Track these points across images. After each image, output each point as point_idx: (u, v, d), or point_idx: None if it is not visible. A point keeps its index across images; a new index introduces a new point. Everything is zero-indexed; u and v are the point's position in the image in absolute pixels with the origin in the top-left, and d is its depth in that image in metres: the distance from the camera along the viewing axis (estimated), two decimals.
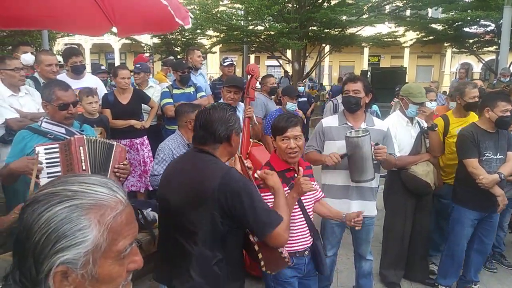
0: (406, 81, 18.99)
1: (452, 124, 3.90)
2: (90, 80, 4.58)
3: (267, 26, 16.15)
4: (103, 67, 6.45)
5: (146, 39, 20.92)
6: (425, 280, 3.90)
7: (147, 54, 15.58)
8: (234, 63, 6.20)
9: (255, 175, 2.19)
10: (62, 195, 0.83)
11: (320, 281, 3.47)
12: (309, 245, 2.56)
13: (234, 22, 16.33)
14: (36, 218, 0.80)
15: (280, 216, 1.88)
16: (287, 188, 2.49)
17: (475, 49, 18.64)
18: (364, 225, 3.23)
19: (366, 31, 18.90)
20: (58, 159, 2.48)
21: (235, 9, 16.81)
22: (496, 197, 3.26)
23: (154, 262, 2.16)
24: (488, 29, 17.10)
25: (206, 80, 6.17)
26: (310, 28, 17.15)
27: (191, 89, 5.02)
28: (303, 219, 2.52)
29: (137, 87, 5.25)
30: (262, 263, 1.95)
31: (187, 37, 18.42)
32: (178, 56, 16.36)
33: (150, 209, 3.85)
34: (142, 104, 4.87)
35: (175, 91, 4.89)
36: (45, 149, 2.47)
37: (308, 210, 2.57)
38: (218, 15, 15.79)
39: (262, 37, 17.24)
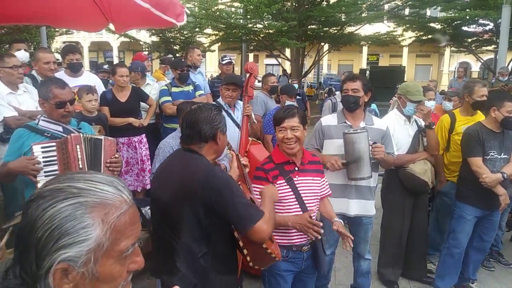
0: (405, 80, 19.00)
1: (458, 122, 3.90)
2: (88, 78, 4.56)
3: (266, 25, 16.15)
4: (105, 67, 6.40)
5: (145, 37, 20.93)
6: (423, 279, 3.90)
7: (146, 52, 15.55)
8: (233, 61, 6.18)
9: (248, 182, 2.25)
10: (67, 192, 0.83)
11: (318, 279, 3.49)
12: (306, 240, 2.54)
13: (233, 20, 16.31)
14: (40, 213, 0.80)
15: (261, 211, 1.95)
16: (283, 181, 2.51)
17: (473, 48, 18.68)
18: (363, 224, 3.26)
19: (365, 30, 18.92)
20: (55, 158, 2.48)
21: (234, 7, 16.79)
22: (499, 196, 3.27)
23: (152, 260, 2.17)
24: (487, 28, 17.14)
25: (204, 79, 6.16)
26: (309, 26, 17.15)
27: (190, 87, 5.01)
28: (300, 211, 2.49)
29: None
30: (248, 258, 2.03)
31: (185, 35, 18.39)
32: (177, 54, 16.33)
33: (148, 207, 3.85)
34: (141, 102, 4.86)
35: (174, 89, 4.88)
36: (42, 147, 2.47)
37: (308, 206, 2.54)
38: (217, 13, 15.76)
39: (261, 35, 17.24)
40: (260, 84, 5.69)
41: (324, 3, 16.41)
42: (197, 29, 17.97)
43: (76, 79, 4.27)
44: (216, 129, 2.05)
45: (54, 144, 2.49)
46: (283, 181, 2.51)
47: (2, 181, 2.81)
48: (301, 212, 2.49)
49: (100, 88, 4.66)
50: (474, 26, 17.66)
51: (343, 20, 17.42)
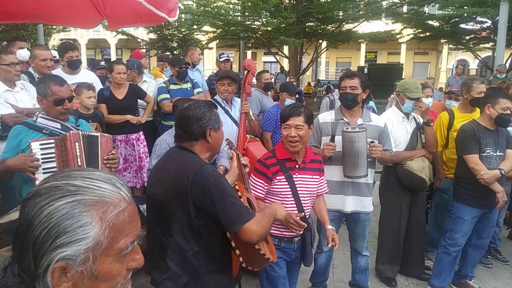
0: (403, 77, 19.02)
1: (457, 119, 3.90)
2: (85, 75, 4.55)
3: (264, 22, 16.12)
4: (102, 63, 6.36)
5: (143, 34, 20.89)
6: (421, 275, 3.91)
7: (144, 50, 15.52)
8: (231, 59, 6.17)
9: (247, 182, 2.24)
10: (64, 190, 0.81)
11: (316, 276, 3.51)
12: (298, 233, 2.63)
13: (231, 17, 16.28)
14: (37, 212, 0.79)
15: (252, 213, 1.91)
16: (283, 177, 2.56)
17: (471, 45, 18.69)
18: (360, 220, 3.26)
19: (363, 28, 18.92)
20: (53, 155, 2.47)
21: (232, 4, 16.75)
22: (496, 193, 3.26)
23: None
24: (485, 25, 17.16)
25: (202, 76, 6.15)
26: (307, 24, 17.14)
27: (188, 85, 5.00)
28: (295, 207, 2.59)
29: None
30: (241, 259, 1.99)
31: (183, 33, 18.37)
32: (175, 52, 16.30)
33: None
34: (138, 100, 4.85)
35: (172, 87, 4.87)
36: (40, 144, 2.46)
37: (303, 204, 2.61)
38: (215, 10, 15.73)
39: (259, 33, 17.21)
40: (255, 81, 5.67)
41: (322, 0, 16.40)
42: (194, 27, 17.94)
43: (73, 76, 4.25)
44: (205, 127, 2.02)
45: (52, 141, 2.48)
46: (283, 177, 2.57)
47: (0, 178, 2.80)
48: (295, 209, 2.58)
49: (98, 85, 4.65)
50: (472, 23, 17.67)
51: (341, 17, 17.41)
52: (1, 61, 3.55)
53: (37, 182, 2.41)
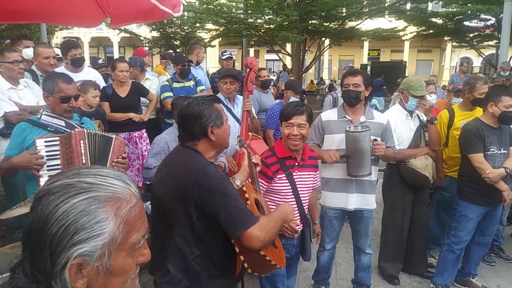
0: (406, 75, 18.97)
1: (457, 117, 3.88)
2: (89, 73, 4.56)
3: (267, 20, 16.10)
4: (100, 61, 6.35)
5: (145, 32, 20.90)
6: (423, 273, 3.91)
7: (146, 48, 15.53)
8: (233, 56, 6.17)
9: (256, 183, 2.17)
10: (78, 187, 0.83)
11: (319, 274, 3.51)
12: (299, 229, 2.65)
13: (233, 15, 16.26)
14: (52, 210, 0.80)
15: (256, 217, 1.80)
16: (283, 175, 2.57)
17: (475, 43, 18.60)
18: (363, 218, 3.26)
19: (366, 25, 18.86)
20: (58, 152, 2.48)
21: (235, 1, 16.73)
22: (502, 192, 3.24)
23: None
24: (488, 23, 17.06)
25: (205, 73, 6.15)
26: (310, 21, 17.10)
27: (191, 83, 5.00)
28: (295, 204, 2.61)
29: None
30: (246, 265, 1.92)
31: (186, 31, 18.37)
32: (178, 50, 16.31)
33: (149, 202, 3.86)
34: (141, 98, 4.85)
35: (175, 85, 4.87)
36: (45, 141, 2.47)
37: (302, 199, 2.65)
38: (218, 7, 15.71)
39: (262, 30, 17.19)
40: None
41: None
42: (197, 24, 17.94)
43: (77, 74, 4.26)
44: (206, 125, 1.91)
45: (57, 138, 2.49)
46: (283, 175, 2.59)
47: (3, 176, 2.81)
48: (295, 203, 2.61)
49: (101, 83, 4.66)
50: (475, 21, 17.56)
51: (344, 14, 17.36)
52: (4, 59, 3.57)
53: (41, 179, 2.42)
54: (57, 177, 0.87)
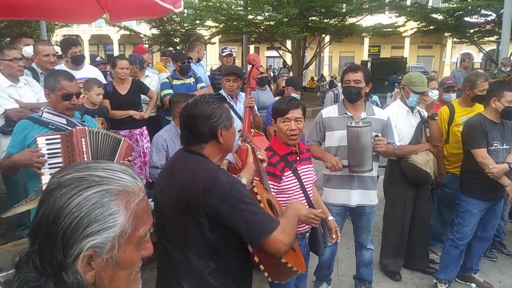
0: (406, 71, 18.93)
1: (457, 113, 3.88)
2: (89, 71, 4.55)
3: (267, 16, 16.07)
4: (98, 58, 6.31)
5: (145, 30, 20.86)
6: (425, 269, 3.91)
7: (146, 45, 15.50)
8: (233, 53, 6.15)
9: (266, 181, 2.07)
10: (90, 180, 0.84)
11: (321, 270, 3.51)
12: (309, 227, 2.58)
13: (233, 12, 16.23)
14: (66, 202, 0.81)
15: (277, 220, 1.68)
16: (290, 172, 2.53)
17: (475, 39, 18.57)
18: (365, 214, 3.26)
19: (366, 21, 18.82)
20: (59, 150, 2.47)
21: None
22: (505, 187, 3.24)
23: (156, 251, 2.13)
24: (489, 18, 17.04)
25: (205, 71, 6.14)
26: (310, 18, 17.06)
27: (191, 80, 4.99)
28: (305, 201, 2.54)
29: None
30: (266, 274, 1.78)
31: (186, 28, 18.33)
32: (177, 47, 16.28)
33: (150, 199, 3.86)
34: (141, 95, 4.84)
35: (175, 82, 4.87)
36: (46, 139, 2.46)
37: (309, 193, 2.61)
38: (218, 4, 15.68)
39: (262, 27, 17.16)
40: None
41: None
42: (197, 22, 17.90)
43: (77, 72, 4.24)
44: (216, 126, 1.75)
45: (58, 136, 2.48)
46: (290, 172, 2.54)
47: (5, 173, 2.81)
48: (304, 200, 2.54)
49: (101, 80, 4.65)
50: (476, 16, 17.54)
51: (344, 11, 17.32)
52: (4, 56, 3.57)
53: (43, 177, 2.42)
54: (66, 170, 0.88)
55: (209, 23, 18.08)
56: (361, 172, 3.05)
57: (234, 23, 16.48)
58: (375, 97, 5.64)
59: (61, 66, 4.31)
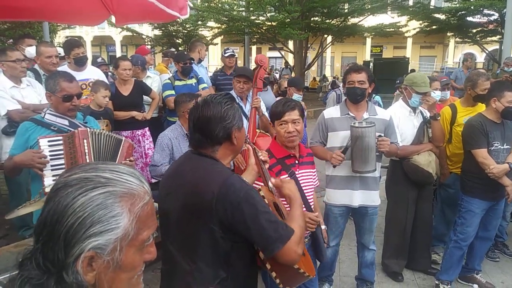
0: (409, 71, 18.89)
1: (459, 113, 3.87)
2: (92, 72, 4.57)
3: (269, 17, 16.07)
4: (99, 59, 6.32)
5: (147, 31, 20.92)
6: (427, 270, 3.90)
7: (149, 46, 15.54)
8: (236, 54, 6.15)
9: (269, 184, 2.02)
10: (96, 181, 0.84)
11: (322, 270, 3.51)
12: (309, 232, 2.57)
13: (235, 12, 16.24)
14: (70, 201, 0.81)
15: (290, 228, 1.61)
16: (286, 175, 2.50)
17: (478, 39, 18.51)
18: (368, 214, 3.26)
19: (369, 21, 18.79)
20: (61, 152, 2.48)
21: None
22: (505, 187, 3.24)
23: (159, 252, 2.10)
24: (492, 18, 16.97)
25: (207, 72, 6.14)
26: (312, 18, 17.05)
27: (193, 81, 5.01)
28: (304, 209, 2.49)
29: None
30: (278, 280, 1.73)
31: (188, 29, 18.37)
32: (180, 48, 16.31)
33: (152, 200, 3.87)
34: (144, 96, 4.85)
35: (177, 83, 4.88)
36: (48, 141, 2.47)
37: (308, 198, 2.60)
38: (220, 5, 15.69)
39: (264, 28, 17.16)
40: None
41: None
42: (199, 22, 17.93)
43: (80, 73, 4.27)
44: (230, 127, 1.70)
45: (60, 138, 2.49)
46: (286, 176, 2.51)
47: (7, 175, 2.82)
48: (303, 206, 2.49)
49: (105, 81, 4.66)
50: (478, 16, 17.48)
51: (346, 11, 17.30)
52: (7, 57, 3.58)
53: (45, 179, 2.42)
54: (74, 170, 0.89)
55: (211, 24, 18.10)
56: (364, 172, 3.04)
57: (236, 24, 16.49)
58: (377, 98, 5.64)
59: (64, 68, 4.32)
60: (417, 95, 3.56)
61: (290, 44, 18.95)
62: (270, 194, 2.04)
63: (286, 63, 19.61)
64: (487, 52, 18.56)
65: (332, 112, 3.28)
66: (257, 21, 16.87)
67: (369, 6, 16.90)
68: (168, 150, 3.38)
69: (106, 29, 31.42)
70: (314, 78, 28.75)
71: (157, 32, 19.32)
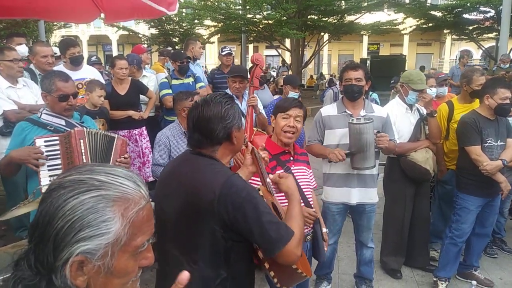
0: (406, 69, 18.92)
1: (456, 110, 3.88)
2: (88, 71, 4.55)
3: (265, 15, 16.05)
4: (93, 58, 6.28)
5: (144, 30, 20.85)
6: (426, 267, 3.91)
7: (145, 45, 15.49)
8: (233, 52, 6.15)
9: (267, 179, 2.00)
10: (89, 184, 0.82)
11: (321, 268, 3.51)
12: (310, 230, 2.57)
13: (231, 11, 16.22)
14: (61, 204, 0.80)
15: (291, 230, 1.61)
16: (282, 171, 2.51)
17: (474, 35, 18.55)
18: (366, 212, 3.26)
19: (365, 19, 18.81)
20: (58, 152, 2.46)
21: None
22: (499, 183, 3.26)
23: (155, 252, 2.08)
24: (488, 15, 17.00)
25: (203, 71, 6.13)
26: (309, 16, 17.05)
27: (190, 79, 4.99)
28: (303, 204, 2.48)
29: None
30: (276, 280, 1.75)
31: (185, 28, 18.33)
32: (176, 47, 16.27)
33: (150, 205, 3.87)
34: (140, 95, 4.83)
35: (174, 82, 4.86)
36: (45, 141, 2.45)
37: (307, 196, 2.59)
38: (216, 3, 15.67)
39: (261, 26, 17.15)
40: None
41: None
42: (196, 21, 17.90)
43: (76, 73, 4.24)
44: (231, 127, 1.70)
45: (57, 138, 2.47)
46: (282, 171, 2.51)
47: (4, 173, 2.79)
48: (302, 203, 2.47)
49: (100, 80, 4.64)
50: (475, 13, 17.51)
51: (343, 8, 17.31)
52: (4, 57, 3.56)
53: (42, 179, 2.41)
54: (70, 171, 0.87)
55: (208, 22, 18.09)
56: (363, 168, 3.04)
57: (233, 22, 16.47)
58: (374, 95, 5.64)
59: (60, 67, 4.30)
60: (413, 92, 3.56)
61: (287, 42, 18.95)
62: (268, 194, 2.04)
63: (283, 61, 19.61)
64: (483, 49, 18.61)
65: (329, 110, 3.28)
66: (253, 20, 16.85)
67: (366, 4, 16.91)
68: (166, 149, 3.39)
69: (102, 28, 31.36)
70: (311, 76, 28.73)
71: (154, 31, 19.28)
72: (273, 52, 24.82)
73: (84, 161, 2.45)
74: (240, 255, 1.68)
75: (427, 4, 19.20)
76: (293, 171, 2.57)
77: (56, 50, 4.71)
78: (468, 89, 3.84)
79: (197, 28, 19.12)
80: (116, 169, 0.89)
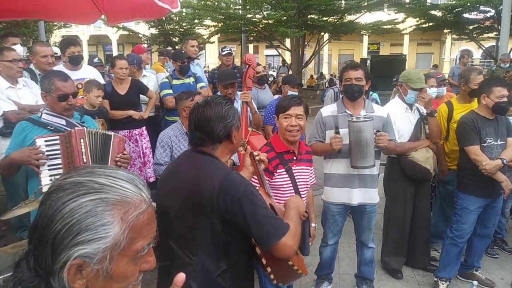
0: (406, 68, 18.90)
1: (456, 110, 3.88)
2: (87, 71, 4.54)
3: (265, 15, 16.05)
4: (96, 60, 6.29)
5: (144, 29, 20.86)
6: (426, 267, 3.90)
7: (145, 45, 15.49)
8: (233, 52, 6.15)
9: (266, 186, 2.06)
10: (89, 187, 0.81)
11: (322, 269, 3.51)
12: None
13: (232, 10, 16.22)
14: (60, 206, 0.79)
15: (286, 224, 1.69)
16: (283, 170, 2.57)
17: (475, 35, 18.53)
18: (366, 212, 3.26)
19: (365, 19, 18.80)
20: (58, 151, 2.46)
21: None
22: (500, 183, 3.25)
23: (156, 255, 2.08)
24: (488, 15, 16.99)
25: (202, 71, 6.13)
26: (309, 16, 17.04)
27: (191, 79, 4.98)
28: None
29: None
30: (272, 276, 1.81)
31: (184, 27, 18.33)
32: (176, 47, 16.27)
33: (151, 208, 3.87)
34: (141, 95, 4.83)
35: (175, 82, 4.85)
36: (45, 141, 2.44)
37: (302, 194, 2.63)
38: (216, 3, 15.67)
39: (261, 26, 17.15)
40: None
41: None
42: (196, 21, 17.90)
43: (75, 72, 4.24)
44: (230, 126, 1.79)
45: (57, 137, 2.46)
46: (283, 170, 2.58)
47: (4, 174, 2.78)
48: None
49: (100, 81, 4.64)
50: (475, 13, 17.50)
51: (343, 8, 17.30)
52: (3, 57, 3.56)
53: (42, 179, 2.40)
54: (70, 173, 0.86)
55: (208, 22, 18.08)
56: (363, 167, 3.03)
57: (233, 22, 16.47)
58: (375, 95, 5.64)
59: (60, 67, 4.29)
60: (412, 92, 3.56)
61: (287, 42, 18.93)
62: (266, 195, 2.09)
63: (283, 61, 19.60)
64: (483, 48, 18.59)
65: (329, 110, 3.28)
66: (253, 19, 16.84)
67: (366, 3, 16.89)
68: (168, 148, 3.39)
69: (102, 28, 31.37)
70: (312, 76, 28.73)
71: (154, 30, 19.27)
72: (273, 52, 24.83)
73: (85, 160, 2.45)
74: (240, 249, 1.75)
75: (427, 4, 19.17)
76: (293, 171, 2.61)
77: (56, 50, 4.71)
78: (467, 89, 3.84)
79: (197, 28, 19.12)
80: (118, 171, 0.88)
